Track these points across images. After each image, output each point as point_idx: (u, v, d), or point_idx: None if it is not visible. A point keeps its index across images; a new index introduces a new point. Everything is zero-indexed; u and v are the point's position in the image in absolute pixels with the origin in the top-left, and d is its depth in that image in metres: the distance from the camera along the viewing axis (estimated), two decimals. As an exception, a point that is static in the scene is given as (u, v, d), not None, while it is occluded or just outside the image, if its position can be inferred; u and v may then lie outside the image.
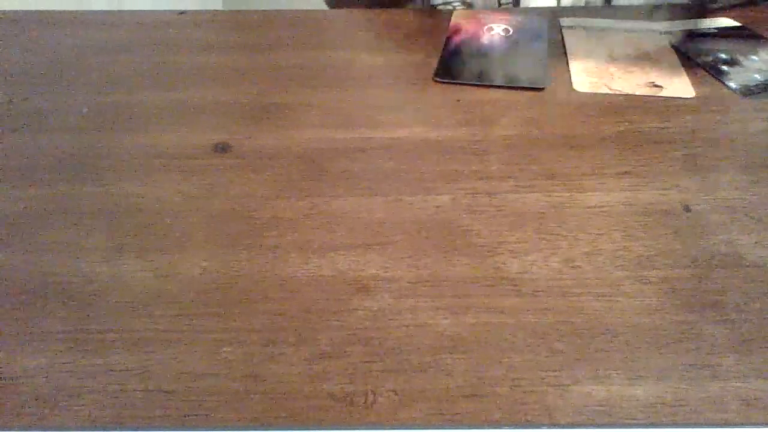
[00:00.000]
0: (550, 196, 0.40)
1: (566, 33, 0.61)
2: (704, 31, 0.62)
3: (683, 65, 0.55)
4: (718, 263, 0.36)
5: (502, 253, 0.36)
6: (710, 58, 0.56)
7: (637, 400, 0.29)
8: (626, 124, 0.47)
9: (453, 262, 0.36)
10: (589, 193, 0.41)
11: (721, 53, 0.57)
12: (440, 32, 0.60)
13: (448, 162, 0.44)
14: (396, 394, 0.29)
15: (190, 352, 0.31)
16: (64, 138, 0.46)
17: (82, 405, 0.29)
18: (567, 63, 0.55)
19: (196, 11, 0.67)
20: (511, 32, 0.60)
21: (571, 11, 0.65)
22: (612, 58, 0.57)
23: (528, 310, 0.33)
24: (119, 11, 0.68)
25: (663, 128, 0.47)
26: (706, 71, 0.54)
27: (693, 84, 0.52)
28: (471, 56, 0.56)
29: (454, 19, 0.62)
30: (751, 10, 0.64)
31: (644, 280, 0.35)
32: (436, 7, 0.66)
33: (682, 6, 0.65)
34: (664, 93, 0.51)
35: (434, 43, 0.58)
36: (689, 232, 0.38)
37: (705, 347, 0.31)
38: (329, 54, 0.58)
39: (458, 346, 0.31)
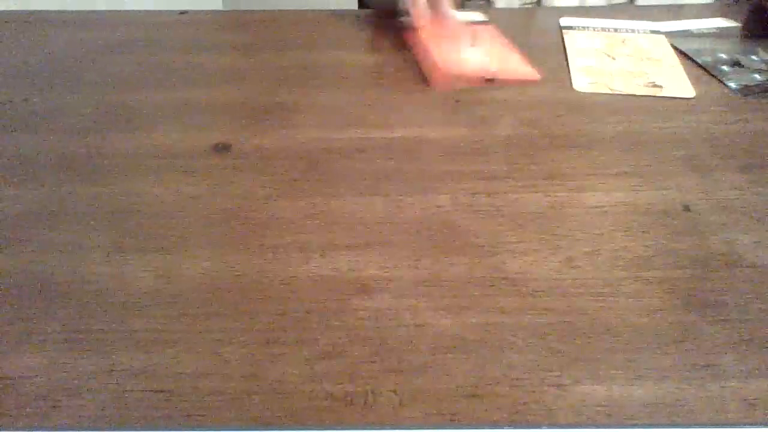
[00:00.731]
0: (550, 196, 0.40)
1: (566, 33, 0.61)
2: (704, 31, 0.62)
3: (683, 65, 0.55)
4: (717, 263, 0.36)
5: (502, 253, 0.36)
6: (710, 58, 0.56)
7: (637, 400, 0.29)
8: (626, 124, 0.47)
9: (453, 262, 0.36)
10: (589, 193, 0.41)
11: (721, 53, 0.57)
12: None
13: (448, 162, 0.43)
14: (396, 394, 0.29)
15: (190, 352, 0.31)
16: (64, 138, 0.46)
17: (82, 405, 0.29)
18: (567, 63, 0.55)
19: (196, 11, 0.67)
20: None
21: (584, 11, 0.65)
22: (612, 58, 0.57)
23: (528, 310, 0.33)
24: (120, 11, 0.68)
25: (663, 128, 0.47)
26: (706, 71, 0.54)
27: (693, 84, 0.52)
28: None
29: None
30: None
31: (644, 280, 0.35)
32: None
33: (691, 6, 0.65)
34: (664, 93, 0.51)
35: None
36: (689, 232, 0.38)
37: (705, 347, 0.31)
38: (329, 54, 0.58)
39: (458, 346, 0.31)
